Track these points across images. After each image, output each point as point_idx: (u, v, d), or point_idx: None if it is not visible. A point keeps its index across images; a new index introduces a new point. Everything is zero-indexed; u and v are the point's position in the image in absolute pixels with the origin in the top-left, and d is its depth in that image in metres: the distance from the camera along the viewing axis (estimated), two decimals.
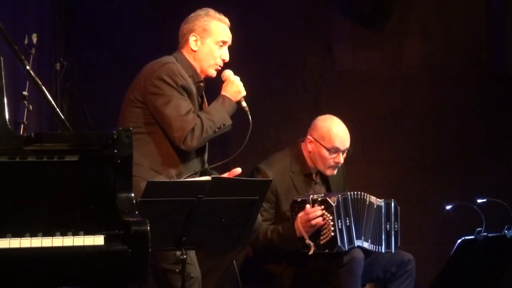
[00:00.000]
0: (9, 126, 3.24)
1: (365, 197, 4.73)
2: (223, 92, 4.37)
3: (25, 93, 4.24)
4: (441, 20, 6.33)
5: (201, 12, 4.42)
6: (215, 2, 5.42)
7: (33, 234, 3.08)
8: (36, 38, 4.33)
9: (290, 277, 4.73)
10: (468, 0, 6.31)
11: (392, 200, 4.85)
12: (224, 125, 4.27)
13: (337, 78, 6.38)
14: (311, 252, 4.58)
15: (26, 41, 4.29)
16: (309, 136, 4.91)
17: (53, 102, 3.65)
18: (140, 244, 3.11)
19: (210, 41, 4.38)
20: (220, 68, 4.42)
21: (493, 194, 5.30)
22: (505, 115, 6.21)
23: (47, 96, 3.64)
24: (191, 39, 4.38)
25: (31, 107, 4.31)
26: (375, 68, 6.36)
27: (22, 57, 3.73)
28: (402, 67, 6.35)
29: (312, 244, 4.58)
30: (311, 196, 4.62)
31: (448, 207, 5.42)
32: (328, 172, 4.88)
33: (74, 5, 6.28)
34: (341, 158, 4.84)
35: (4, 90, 3.27)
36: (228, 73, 4.41)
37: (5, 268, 3.02)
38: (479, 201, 5.12)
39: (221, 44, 4.39)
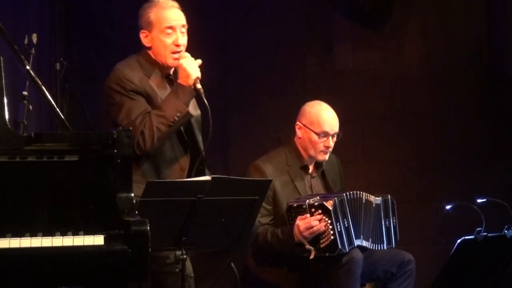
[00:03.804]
0: (9, 126, 3.24)
1: (361, 195, 4.72)
2: (178, 80, 4.17)
3: (25, 93, 4.23)
4: (441, 20, 6.33)
5: (145, 5, 4.27)
6: (214, 2, 5.44)
7: (33, 234, 3.08)
8: (36, 38, 4.32)
9: (293, 283, 4.72)
10: (468, 0, 6.31)
11: (389, 195, 4.85)
12: (178, 116, 4.07)
13: (337, 78, 6.38)
14: (311, 257, 4.57)
15: (26, 41, 4.28)
16: (298, 122, 4.92)
17: (53, 102, 3.65)
18: (140, 244, 3.11)
19: (156, 32, 4.22)
20: (178, 54, 4.20)
21: (493, 194, 5.30)
22: (505, 115, 6.21)
23: (47, 96, 3.64)
24: (142, 36, 4.26)
25: (31, 107, 4.31)
26: (375, 68, 6.36)
27: (22, 57, 3.73)
28: (402, 67, 6.35)
29: (312, 248, 4.57)
30: (308, 201, 4.60)
31: (448, 207, 5.42)
32: (320, 157, 4.88)
33: (74, 5, 6.27)
34: (331, 142, 4.85)
35: (4, 90, 3.28)
36: (180, 57, 4.19)
37: (5, 268, 3.02)
38: (479, 201, 5.11)
39: (168, 32, 4.20)
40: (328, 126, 4.85)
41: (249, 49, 6.35)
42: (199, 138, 4.35)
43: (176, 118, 4.08)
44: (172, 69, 4.30)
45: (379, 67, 6.35)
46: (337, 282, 4.56)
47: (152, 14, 4.23)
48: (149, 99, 4.16)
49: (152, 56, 4.26)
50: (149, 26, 4.23)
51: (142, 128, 4.04)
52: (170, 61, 4.22)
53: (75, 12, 6.27)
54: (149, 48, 4.26)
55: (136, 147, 4.02)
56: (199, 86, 4.12)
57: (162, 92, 4.21)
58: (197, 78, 4.13)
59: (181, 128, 4.23)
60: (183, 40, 4.23)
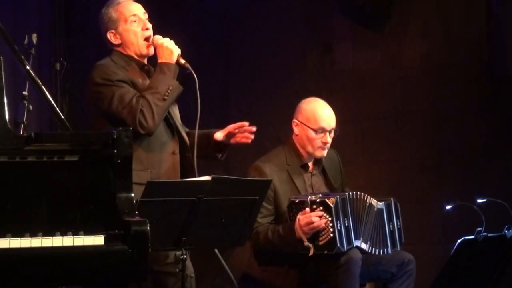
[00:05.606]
0: (9, 126, 3.24)
1: (364, 197, 4.71)
2: (159, 60, 4.24)
3: (25, 93, 4.25)
4: (441, 20, 6.33)
5: (102, 10, 4.35)
6: (214, 2, 5.42)
7: (33, 234, 3.09)
8: (36, 38, 4.33)
9: (293, 283, 4.71)
10: (468, 0, 6.31)
11: (392, 199, 4.85)
12: (170, 89, 4.14)
13: (337, 78, 6.38)
14: (311, 254, 4.57)
15: (26, 41, 4.30)
16: (294, 120, 4.93)
17: (53, 102, 3.66)
18: (140, 244, 3.11)
19: (123, 26, 4.29)
20: (150, 40, 4.29)
21: (493, 194, 5.30)
22: (505, 115, 6.21)
23: (47, 96, 3.65)
24: (110, 37, 4.31)
25: (31, 107, 4.32)
26: (375, 68, 6.36)
27: (22, 57, 3.74)
28: (402, 67, 6.35)
29: (311, 245, 4.56)
30: (309, 197, 4.60)
31: (448, 207, 5.42)
32: (318, 153, 4.88)
33: (74, 5, 6.28)
34: (328, 138, 4.86)
35: (4, 90, 3.28)
36: (156, 39, 4.28)
37: (5, 268, 3.02)
38: (479, 201, 5.11)
39: (133, 20, 4.29)
40: (325, 122, 4.86)
41: (249, 49, 6.35)
42: (181, 128, 4.38)
43: (169, 91, 4.15)
44: (146, 60, 4.35)
45: (379, 67, 6.36)
46: (335, 282, 4.55)
47: (113, 12, 4.30)
48: (135, 87, 4.20)
49: (123, 52, 4.31)
50: (114, 23, 4.29)
51: (140, 107, 4.08)
52: (144, 50, 4.30)
53: (75, 12, 6.27)
54: (119, 45, 4.31)
55: (139, 126, 4.05)
56: (183, 61, 4.23)
57: (143, 83, 4.26)
58: (179, 54, 4.24)
59: (168, 114, 4.27)
60: (149, 24, 4.32)
